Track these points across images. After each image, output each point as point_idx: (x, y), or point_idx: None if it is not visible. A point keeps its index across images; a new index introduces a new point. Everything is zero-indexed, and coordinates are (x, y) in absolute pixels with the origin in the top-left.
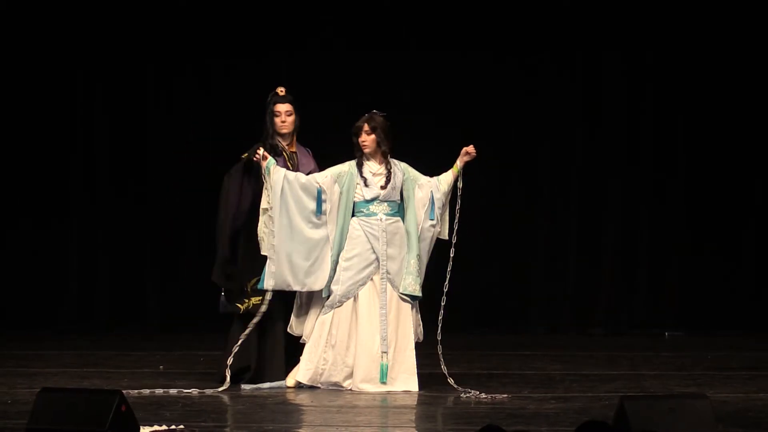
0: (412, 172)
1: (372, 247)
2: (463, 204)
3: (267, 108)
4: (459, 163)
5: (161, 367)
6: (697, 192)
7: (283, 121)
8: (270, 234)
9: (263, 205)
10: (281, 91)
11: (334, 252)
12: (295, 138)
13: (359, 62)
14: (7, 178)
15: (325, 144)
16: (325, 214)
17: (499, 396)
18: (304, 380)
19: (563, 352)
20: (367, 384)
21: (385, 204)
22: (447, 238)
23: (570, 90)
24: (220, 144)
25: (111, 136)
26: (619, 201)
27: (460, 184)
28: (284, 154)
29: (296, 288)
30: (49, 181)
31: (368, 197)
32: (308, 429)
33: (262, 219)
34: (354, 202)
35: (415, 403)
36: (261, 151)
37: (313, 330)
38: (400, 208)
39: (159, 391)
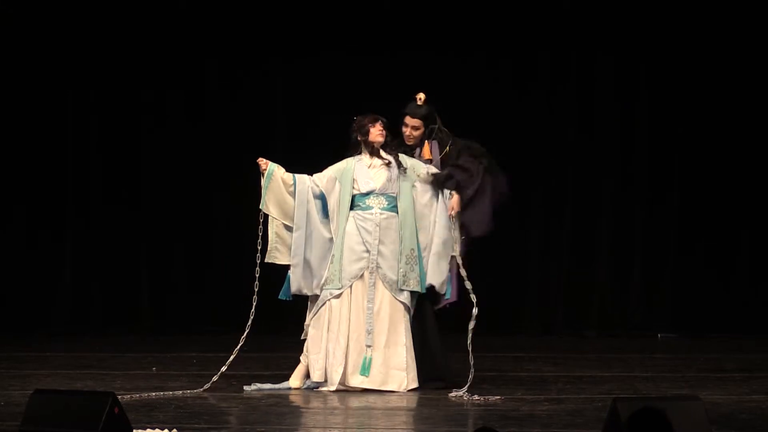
0: (411, 162)
1: (363, 241)
2: None
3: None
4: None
5: (154, 368)
6: (691, 195)
7: (407, 135)
8: (283, 242)
9: (274, 213)
10: (420, 98)
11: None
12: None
13: (357, 67)
14: (1, 180)
15: (327, 147)
16: (329, 215)
17: (492, 398)
18: (319, 379)
19: (557, 354)
20: (355, 377)
21: (382, 197)
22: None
23: (564, 92)
24: (214, 151)
25: (104, 141)
26: (613, 203)
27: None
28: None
29: (316, 292)
30: (43, 183)
31: (364, 190)
32: (300, 431)
33: (272, 227)
34: (352, 195)
35: (409, 404)
36: (262, 161)
37: (311, 327)
38: (397, 201)
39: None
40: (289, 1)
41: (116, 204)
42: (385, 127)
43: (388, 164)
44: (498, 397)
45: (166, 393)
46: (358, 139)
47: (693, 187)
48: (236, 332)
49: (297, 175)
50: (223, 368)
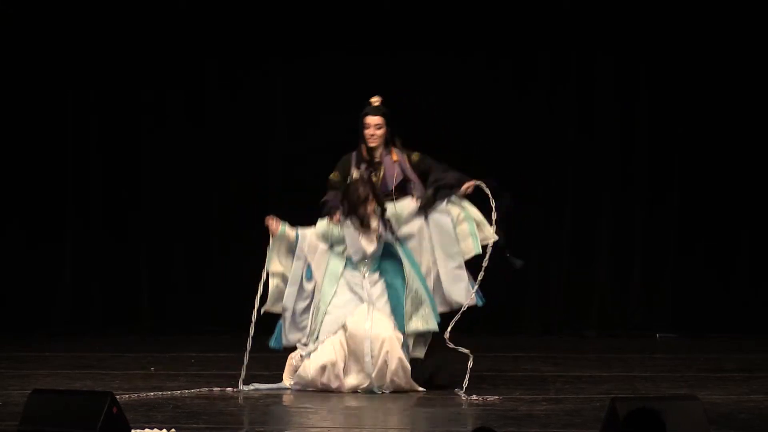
0: (395, 212)
1: (358, 296)
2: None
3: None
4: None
5: (152, 368)
6: (691, 195)
7: (368, 136)
8: (280, 295)
9: (275, 268)
10: (376, 101)
11: (317, 298)
12: (382, 149)
13: (357, 67)
14: (1, 180)
15: (327, 147)
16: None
17: (490, 398)
18: (305, 375)
19: (556, 354)
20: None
21: (370, 261)
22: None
23: (564, 92)
24: (214, 150)
25: (104, 141)
26: (613, 203)
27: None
28: (371, 163)
29: (303, 342)
30: (43, 183)
31: (355, 259)
32: (298, 431)
33: (274, 281)
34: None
35: (408, 404)
36: (272, 222)
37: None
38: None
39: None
40: (289, 1)
41: (116, 204)
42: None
43: (379, 236)
44: (496, 397)
45: (200, 390)
46: (355, 203)
47: (693, 187)
48: (235, 332)
49: (300, 232)
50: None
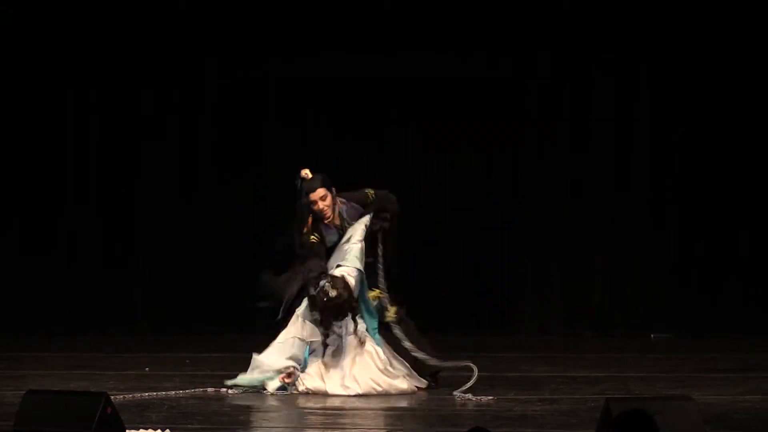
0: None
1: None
2: (453, 205)
3: (299, 196)
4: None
5: (147, 369)
6: (688, 195)
7: (321, 210)
8: None
9: None
10: (306, 174)
11: None
12: (336, 211)
13: (357, 67)
14: (0, 179)
15: (326, 147)
16: None
17: (484, 398)
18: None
19: (551, 354)
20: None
21: None
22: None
23: (564, 91)
24: (213, 150)
25: (104, 141)
26: (611, 204)
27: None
28: (334, 228)
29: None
30: (42, 184)
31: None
32: (294, 431)
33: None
34: None
35: (404, 405)
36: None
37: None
38: None
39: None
40: (289, 1)
41: (115, 204)
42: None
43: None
44: (491, 397)
45: (195, 391)
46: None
47: (690, 188)
48: (235, 333)
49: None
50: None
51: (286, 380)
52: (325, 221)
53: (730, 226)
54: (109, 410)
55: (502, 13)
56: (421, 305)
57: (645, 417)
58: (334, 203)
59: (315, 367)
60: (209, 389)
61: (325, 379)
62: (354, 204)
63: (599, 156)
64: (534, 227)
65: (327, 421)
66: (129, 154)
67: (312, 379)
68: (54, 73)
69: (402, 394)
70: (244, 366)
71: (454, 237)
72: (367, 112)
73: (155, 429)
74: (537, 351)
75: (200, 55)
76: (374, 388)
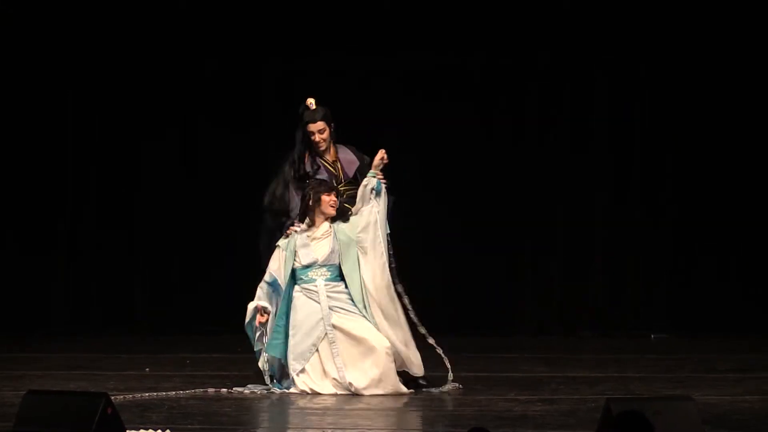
0: (346, 230)
1: (316, 309)
2: (452, 205)
3: (299, 122)
4: (373, 179)
5: (147, 369)
6: (687, 194)
7: (318, 142)
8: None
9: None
10: (311, 104)
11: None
12: (332, 146)
13: (357, 67)
14: None
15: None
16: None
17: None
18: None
19: (550, 354)
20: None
21: (324, 269)
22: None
23: (562, 91)
24: (213, 151)
25: (104, 140)
26: (609, 204)
27: (379, 206)
28: (326, 167)
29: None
30: (41, 184)
31: (305, 262)
32: (293, 431)
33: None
34: (293, 269)
35: (403, 405)
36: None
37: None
38: (341, 272)
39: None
40: (289, 1)
41: (114, 204)
42: (337, 201)
43: (333, 235)
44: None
45: (195, 391)
46: (308, 203)
47: (690, 187)
48: (235, 333)
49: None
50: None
51: (260, 320)
52: (320, 152)
53: (730, 226)
54: (109, 411)
55: (501, 13)
56: (421, 305)
57: (642, 419)
58: (331, 139)
59: (314, 366)
60: (209, 389)
61: (325, 379)
62: (350, 156)
63: (599, 156)
64: (533, 227)
65: (327, 421)
66: (129, 154)
67: (312, 379)
68: (54, 73)
69: (402, 394)
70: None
71: (453, 237)
72: (368, 111)
73: (155, 429)
74: (537, 351)
75: (200, 56)
76: (374, 388)
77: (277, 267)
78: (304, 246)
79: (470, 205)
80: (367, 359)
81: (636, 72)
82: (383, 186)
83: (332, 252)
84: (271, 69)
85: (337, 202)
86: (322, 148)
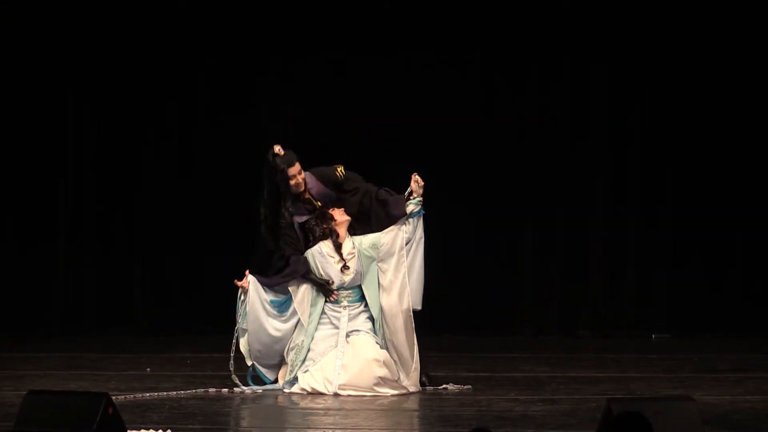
0: (367, 240)
1: (335, 332)
2: (452, 205)
3: (274, 171)
4: (413, 205)
5: (148, 369)
6: (685, 195)
7: (298, 184)
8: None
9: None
10: (279, 150)
11: (300, 337)
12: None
13: (357, 67)
14: None
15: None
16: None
17: (465, 387)
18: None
19: (550, 355)
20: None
21: (350, 290)
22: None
23: (559, 93)
24: (212, 151)
25: (103, 140)
26: (607, 204)
27: (418, 233)
28: (304, 205)
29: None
30: (41, 183)
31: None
32: (293, 431)
33: (244, 342)
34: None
35: (405, 405)
36: (245, 283)
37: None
38: (362, 288)
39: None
40: (289, 1)
41: (113, 204)
42: (343, 211)
43: (355, 256)
44: (469, 386)
45: (196, 391)
46: (326, 230)
47: (689, 187)
48: (232, 333)
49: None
50: None
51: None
52: (300, 196)
53: (730, 226)
54: (110, 411)
55: (501, 12)
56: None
57: (641, 420)
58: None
59: (315, 367)
60: (210, 389)
61: (325, 380)
62: (319, 188)
63: (599, 156)
64: (533, 227)
65: (327, 421)
66: (129, 154)
67: (312, 379)
68: (54, 73)
69: (401, 395)
70: (244, 366)
71: (453, 237)
72: (366, 113)
73: (156, 429)
74: (537, 351)
75: (200, 55)
76: (374, 388)
77: (300, 300)
78: (330, 269)
79: (470, 206)
80: (366, 366)
81: (636, 72)
82: (422, 212)
83: (357, 274)
84: (271, 69)
85: (343, 211)
86: (302, 189)
